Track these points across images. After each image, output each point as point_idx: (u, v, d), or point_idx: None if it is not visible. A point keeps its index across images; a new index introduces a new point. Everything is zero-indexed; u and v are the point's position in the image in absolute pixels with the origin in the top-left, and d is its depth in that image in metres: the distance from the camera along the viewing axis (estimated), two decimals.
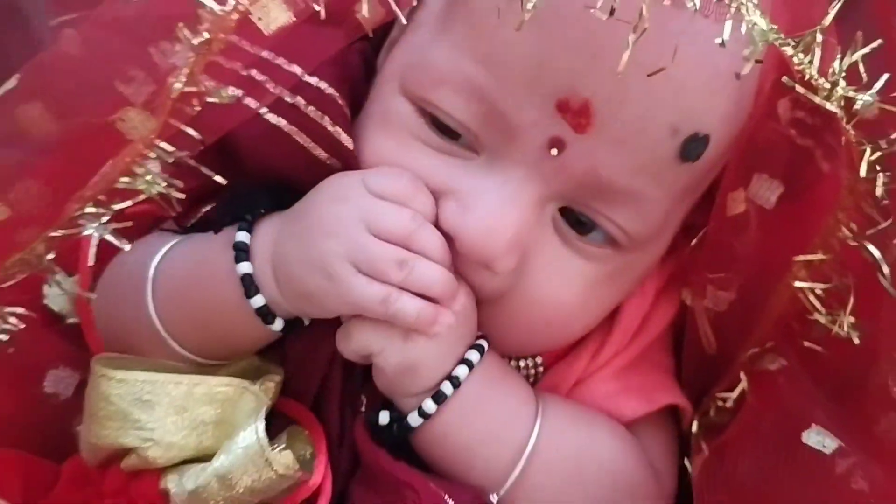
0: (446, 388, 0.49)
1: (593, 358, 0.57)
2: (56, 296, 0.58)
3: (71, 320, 0.60)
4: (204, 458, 0.50)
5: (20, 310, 0.47)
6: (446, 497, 0.49)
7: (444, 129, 0.49)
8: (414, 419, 0.50)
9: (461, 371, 0.50)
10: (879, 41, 0.44)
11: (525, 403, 0.52)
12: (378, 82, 0.52)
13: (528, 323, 0.51)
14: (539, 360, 0.56)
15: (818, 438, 0.48)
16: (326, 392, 0.53)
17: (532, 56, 0.45)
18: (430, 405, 0.50)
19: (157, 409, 0.50)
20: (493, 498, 0.51)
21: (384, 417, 0.51)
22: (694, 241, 0.56)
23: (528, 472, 0.51)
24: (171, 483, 0.50)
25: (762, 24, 0.43)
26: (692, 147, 0.47)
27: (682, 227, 0.55)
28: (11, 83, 0.46)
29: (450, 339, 0.49)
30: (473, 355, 0.50)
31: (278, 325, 0.50)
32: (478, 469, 0.51)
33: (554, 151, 0.47)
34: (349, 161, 0.50)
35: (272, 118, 0.49)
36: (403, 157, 0.50)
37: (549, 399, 0.54)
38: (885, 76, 0.45)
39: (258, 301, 0.49)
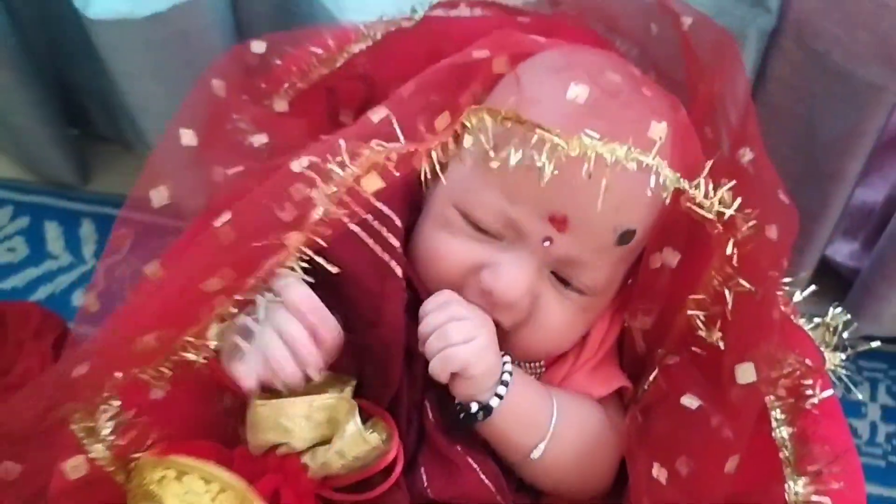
0: (506, 377, 0.72)
1: (574, 363, 0.80)
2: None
3: None
4: (323, 441, 0.68)
5: (213, 343, 0.65)
6: (479, 471, 0.72)
7: (479, 228, 0.73)
8: (495, 401, 0.71)
9: (508, 367, 0.73)
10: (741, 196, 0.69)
11: (542, 386, 0.77)
12: (435, 195, 0.76)
13: (540, 340, 0.76)
14: (542, 363, 0.80)
15: (689, 401, 0.70)
16: (398, 402, 0.73)
17: (535, 193, 0.68)
18: (502, 389, 0.71)
19: (294, 419, 0.68)
20: (544, 443, 0.73)
21: (474, 407, 0.71)
22: (630, 283, 0.79)
23: (558, 427, 0.74)
24: (308, 459, 0.68)
25: (671, 176, 0.69)
26: (625, 236, 0.73)
27: (625, 277, 0.79)
28: (226, 217, 0.67)
29: (496, 353, 0.72)
30: (507, 359, 0.73)
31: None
32: (532, 428, 0.73)
33: (547, 243, 0.72)
34: (395, 254, 0.72)
35: (352, 226, 0.72)
36: (453, 243, 0.74)
37: (547, 384, 0.79)
38: (739, 199, 0.69)
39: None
